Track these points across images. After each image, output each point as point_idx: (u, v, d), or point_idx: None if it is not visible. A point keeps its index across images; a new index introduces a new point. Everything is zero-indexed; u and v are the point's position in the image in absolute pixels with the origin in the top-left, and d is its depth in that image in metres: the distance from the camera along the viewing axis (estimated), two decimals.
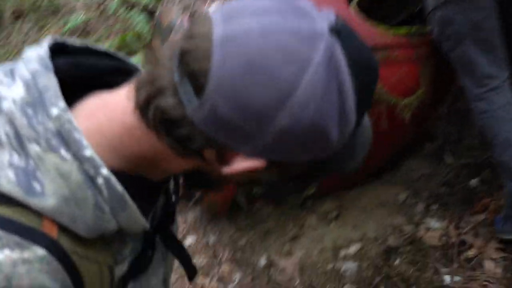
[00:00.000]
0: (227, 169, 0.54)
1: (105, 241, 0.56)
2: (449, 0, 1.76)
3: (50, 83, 0.51)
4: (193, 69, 0.48)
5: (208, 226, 2.35)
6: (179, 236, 2.34)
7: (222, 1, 1.86)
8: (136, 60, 3.50)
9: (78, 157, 0.50)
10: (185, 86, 0.49)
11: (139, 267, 0.62)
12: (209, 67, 0.47)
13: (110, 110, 0.55)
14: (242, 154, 0.52)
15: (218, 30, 0.48)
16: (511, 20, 1.82)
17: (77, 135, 0.50)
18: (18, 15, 4.01)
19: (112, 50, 0.60)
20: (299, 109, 0.47)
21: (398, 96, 1.96)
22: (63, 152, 0.49)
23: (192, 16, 1.76)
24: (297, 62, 0.46)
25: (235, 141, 0.50)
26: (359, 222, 2.20)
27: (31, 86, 0.51)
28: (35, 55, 0.53)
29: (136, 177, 0.57)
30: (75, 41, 0.59)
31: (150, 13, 4.09)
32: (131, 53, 3.73)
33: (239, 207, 2.35)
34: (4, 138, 0.49)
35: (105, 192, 0.51)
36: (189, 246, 2.27)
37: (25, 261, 0.46)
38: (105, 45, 3.83)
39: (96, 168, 0.51)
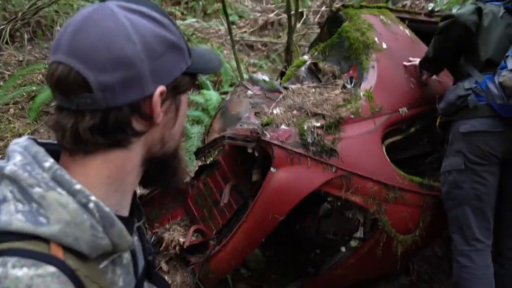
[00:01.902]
0: (153, 112, 0.69)
1: (101, 269, 0.69)
2: (463, 169, 2.14)
3: (39, 149, 0.68)
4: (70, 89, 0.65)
5: None
6: None
7: (284, 103, 2.14)
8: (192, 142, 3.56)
9: (71, 191, 0.65)
10: (73, 103, 0.66)
11: None
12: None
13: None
14: (147, 95, 0.68)
15: None
16: (504, 201, 2.21)
17: (67, 176, 0.66)
18: None
19: None
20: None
21: (398, 232, 2.26)
22: (59, 189, 0.65)
23: (257, 114, 2.03)
24: None
25: (134, 90, 0.66)
26: None
27: (25, 154, 0.67)
28: (19, 140, 0.71)
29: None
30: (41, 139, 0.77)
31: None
32: (198, 121, 3.86)
33: (225, 282, 2.50)
34: (9, 195, 0.64)
35: (96, 214, 0.66)
36: None
37: (39, 276, 0.59)
38: None
39: (86, 197, 0.65)
